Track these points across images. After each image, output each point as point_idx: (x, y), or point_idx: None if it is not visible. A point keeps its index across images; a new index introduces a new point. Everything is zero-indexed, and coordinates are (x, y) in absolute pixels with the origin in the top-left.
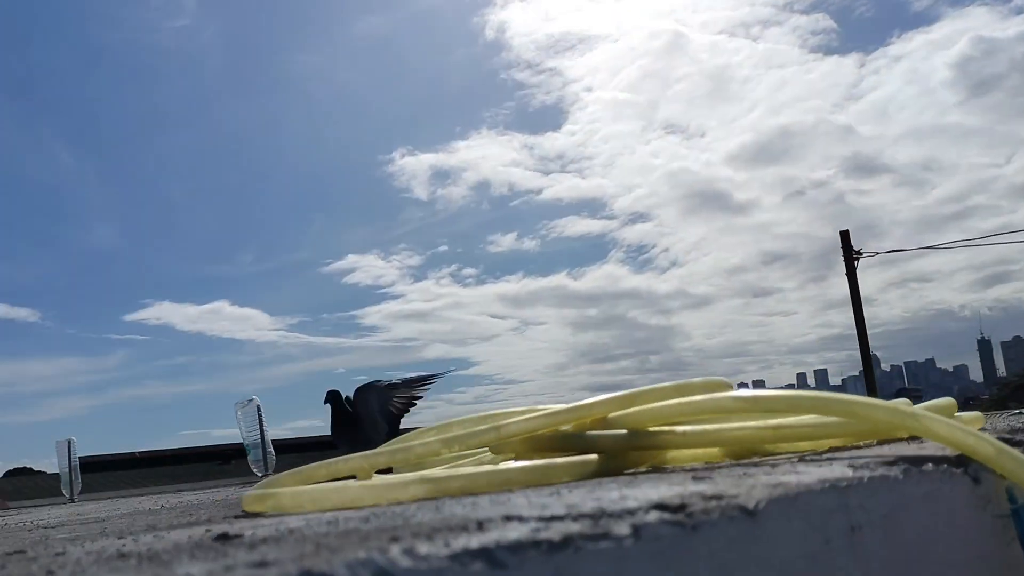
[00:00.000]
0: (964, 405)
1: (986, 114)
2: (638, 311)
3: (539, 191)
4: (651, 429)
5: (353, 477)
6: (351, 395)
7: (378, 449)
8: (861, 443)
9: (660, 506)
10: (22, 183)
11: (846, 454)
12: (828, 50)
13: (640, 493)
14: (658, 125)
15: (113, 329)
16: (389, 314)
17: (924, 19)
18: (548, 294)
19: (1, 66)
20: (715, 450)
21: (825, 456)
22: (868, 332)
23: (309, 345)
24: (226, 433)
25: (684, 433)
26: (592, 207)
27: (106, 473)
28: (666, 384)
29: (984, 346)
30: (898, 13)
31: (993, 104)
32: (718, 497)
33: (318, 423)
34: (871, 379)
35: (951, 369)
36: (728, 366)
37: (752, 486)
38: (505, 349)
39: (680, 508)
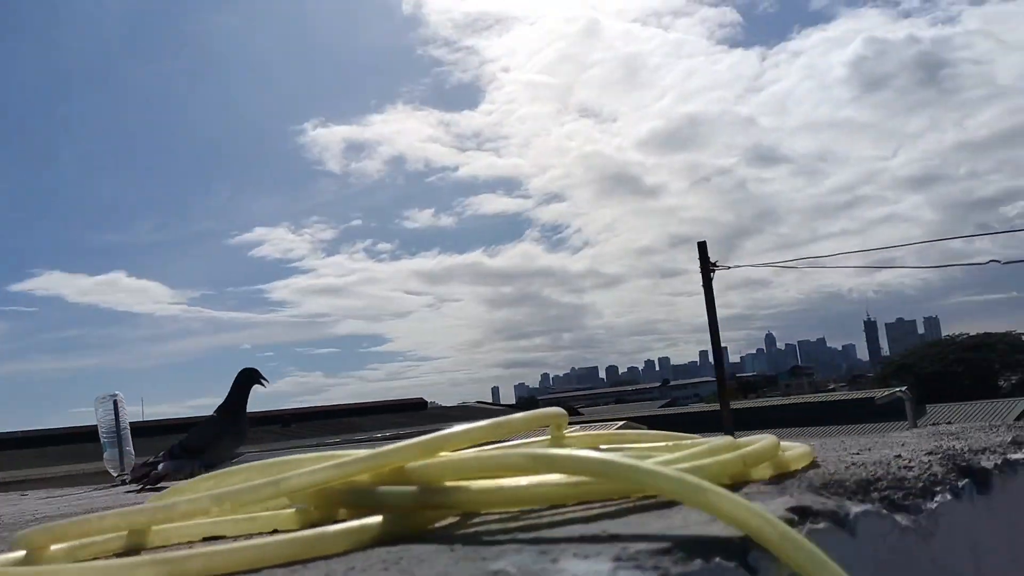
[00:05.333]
0: (852, 382)
1: (876, 110)
2: (552, 289)
3: (455, 168)
4: (447, 484)
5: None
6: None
7: (137, 506)
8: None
9: None
10: None
11: (618, 532)
12: (733, 43)
13: None
14: (573, 108)
15: None
16: (299, 289)
17: (822, 17)
18: (464, 271)
19: None
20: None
21: (594, 539)
22: (766, 313)
23: (213, 320)
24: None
25: (479, 491)
26: (508, 186)
27: None
28: (482, 424)
29: (870, 327)
30: (798, 10)
31: (882, 101)
32: None
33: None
34: (721, 376)
35: (840, 348)
36: (636, 343)
37: None
38: (420, 326)
39: None
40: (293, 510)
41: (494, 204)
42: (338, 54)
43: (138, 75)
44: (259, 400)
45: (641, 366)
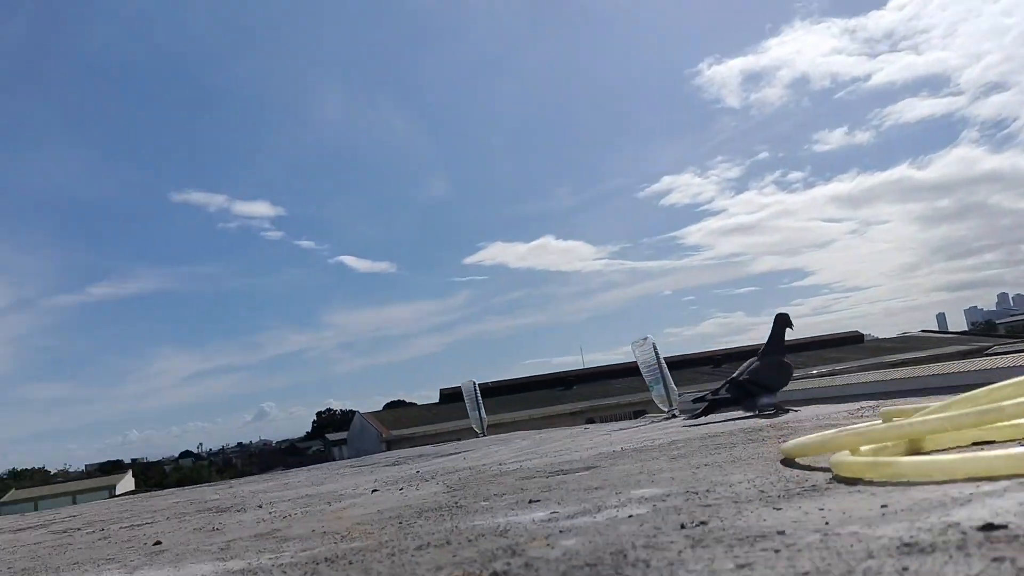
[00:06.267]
0: None
1: None
2: (1001, 195)
3: (867, 77)
4: None
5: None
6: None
7: (956, 410)
8: None
9: None
10: (370, 153)
11: None
12: None
13: None
14: None
15: (456, 272)
16: (711, 231)
17: None
18: (888, 189)
19: (332, 49)
20: None
21: None
22: None
23: (633, 270)
24: (564, 360)
25: None
26: (933, 85)
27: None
28: None
29: None
30: None
31: None
32: None
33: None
34: None
35: None
36: None
37: None
38: (843, 254)
39: None
40: None
41: (917, 109)
42: None
43: (538, 52)
44: (690, 342)
45: None
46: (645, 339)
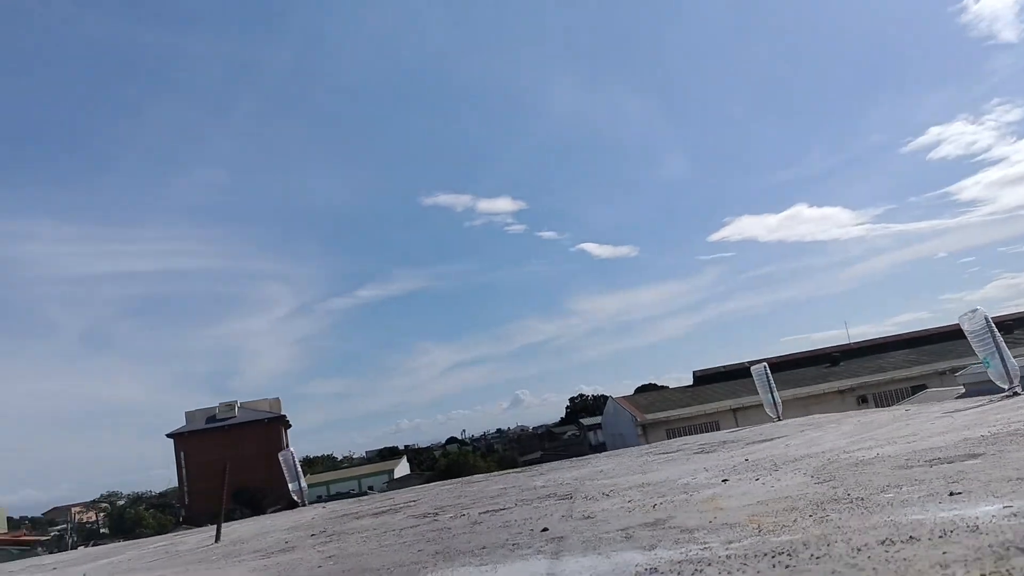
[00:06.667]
0: None
1: None
2: None
3: None
4: None
5: None
6: None
7: None
8: None
9: None
10: (605, 138)
11: None
12: None
13: None
14: None
15: (701, 251)
16: (991, 182)
17: None
18: None
19: (561, 37)
20: None
21: None
22: None
23: (900, 234)
24: (827, 336)
25: None
26: None
27: (721, 384)
28: None
29: None
30: None
31: None
32: None
33: (924, 315)
34: None
35: None
36: None
37: None
38: None
39: None
40: None
41: None
42: None
43: (779, 8)
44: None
45: None
46: (975, 311)
